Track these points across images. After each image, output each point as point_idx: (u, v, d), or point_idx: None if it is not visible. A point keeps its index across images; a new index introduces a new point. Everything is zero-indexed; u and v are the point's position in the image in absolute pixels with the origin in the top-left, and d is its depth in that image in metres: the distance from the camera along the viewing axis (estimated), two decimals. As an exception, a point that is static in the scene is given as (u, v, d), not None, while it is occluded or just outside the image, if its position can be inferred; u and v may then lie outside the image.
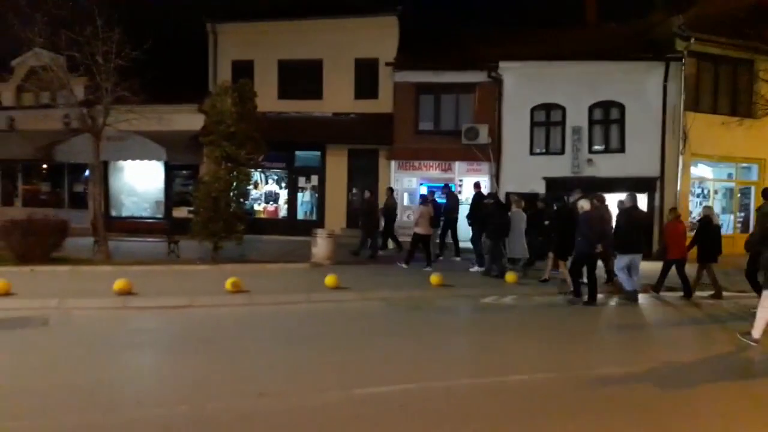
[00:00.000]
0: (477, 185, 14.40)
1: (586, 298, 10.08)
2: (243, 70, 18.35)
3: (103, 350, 6.91)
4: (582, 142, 17.36)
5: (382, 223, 15.39)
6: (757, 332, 7.46)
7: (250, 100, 13.38)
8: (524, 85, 17.68)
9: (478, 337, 8.41)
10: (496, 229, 12.22)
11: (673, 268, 10.97)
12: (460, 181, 18.29)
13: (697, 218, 12.90)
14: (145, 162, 19.23)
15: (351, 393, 5.44)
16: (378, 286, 11.09)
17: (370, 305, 9.84)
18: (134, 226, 18.40)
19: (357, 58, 18.69)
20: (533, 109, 17.77)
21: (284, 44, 18.92)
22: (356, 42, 18.55)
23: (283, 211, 19.60)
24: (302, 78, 19.09)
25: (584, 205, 10.17)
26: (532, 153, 17.79)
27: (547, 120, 17.88)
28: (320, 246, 13.75)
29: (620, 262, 10.55)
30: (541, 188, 17.03)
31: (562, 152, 17.53)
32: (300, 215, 19.42)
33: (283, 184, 19.67)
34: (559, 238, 11.13)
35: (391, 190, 16.21)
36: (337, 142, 18.53)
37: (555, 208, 12.85)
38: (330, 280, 10.61)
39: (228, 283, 9.87)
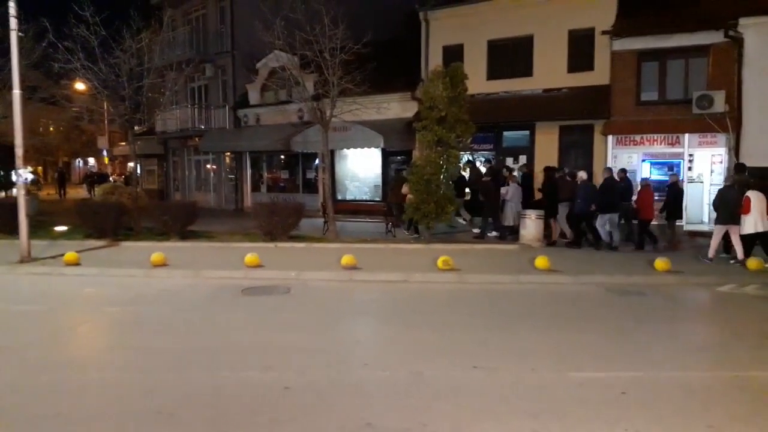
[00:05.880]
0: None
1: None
2: (453, 54, 18.59)
3: (334, 317, 7.81)
4: None
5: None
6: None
7: (461, 83, 13.57)
8: (772, 42, 15.04)
9: (713, 327, 7.58)
10: (491, 202, 14.71)
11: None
12: (690, 155, 16.34)
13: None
14: (365, 149, 20.75)
15: (566, 375, 5.36)
16: (594, 270, 10.57)
17: (585, 289, 9.46)
18: (356, 208, 20.07)
19: (570, 30, 17.69)
20: (783, 70, 15.06)
21: (493, 24, 18.71)
22: (570, 12, 17.55)
23: (491, 193, 19.57)
24: (511, 56, 18.69)
25: (583, 175, 13.46)
26: (781, 121, 15.13)
27: (803, 81, 15.03)
28: (529, 227, 13.54)
29: (601, 220, 13.07)
30: (792, 162, 14.41)
31: (821, 119, 14.62)
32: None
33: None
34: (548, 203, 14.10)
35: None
36: (548, 119, 17.82)
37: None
38: (541, 261, 10.42)
39: (440, 261, 10.31)
